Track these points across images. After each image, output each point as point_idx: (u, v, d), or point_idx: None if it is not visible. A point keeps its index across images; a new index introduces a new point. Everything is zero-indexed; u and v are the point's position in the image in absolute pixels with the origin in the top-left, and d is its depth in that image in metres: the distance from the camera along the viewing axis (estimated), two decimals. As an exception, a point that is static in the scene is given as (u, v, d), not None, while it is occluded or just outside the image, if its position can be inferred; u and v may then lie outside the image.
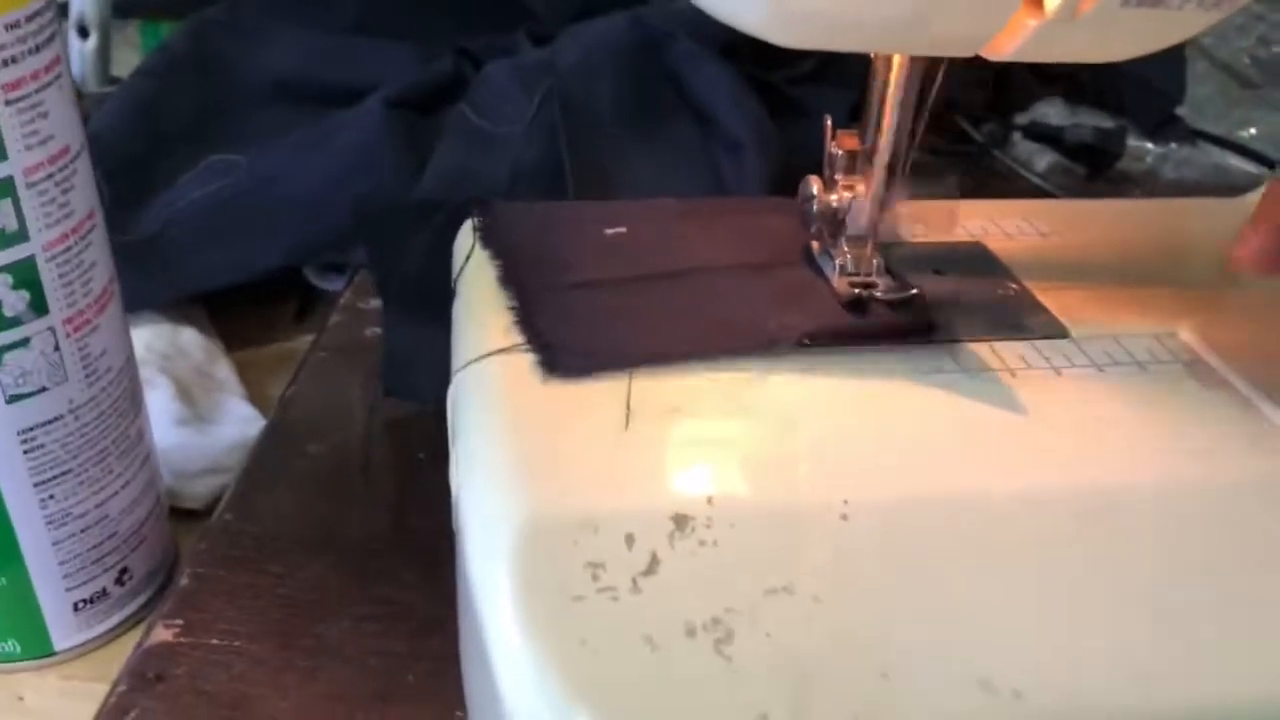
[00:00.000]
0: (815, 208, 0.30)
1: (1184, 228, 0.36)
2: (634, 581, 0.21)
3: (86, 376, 0.30)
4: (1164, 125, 0.58)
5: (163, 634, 0.30)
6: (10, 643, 0.31)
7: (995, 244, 0.34)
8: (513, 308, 0.29)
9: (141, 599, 0.34)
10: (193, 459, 0.39)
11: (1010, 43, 0.22)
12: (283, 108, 0.54)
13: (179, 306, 0.46)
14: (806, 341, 0.28)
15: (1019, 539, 0.23)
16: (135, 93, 0.54)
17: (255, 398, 0.43)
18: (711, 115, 0.49)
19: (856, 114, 0.30)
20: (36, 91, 0.26)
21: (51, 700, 0.31)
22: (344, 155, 0.49)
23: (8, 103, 0.25)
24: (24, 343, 0.28)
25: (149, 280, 0.45)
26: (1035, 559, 0.23)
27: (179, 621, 0.30)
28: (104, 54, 0.62)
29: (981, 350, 0.28)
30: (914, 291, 0.29)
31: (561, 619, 0.20)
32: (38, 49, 0.26)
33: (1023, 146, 0.58)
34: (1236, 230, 0.31)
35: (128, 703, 0.28)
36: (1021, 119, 0.59)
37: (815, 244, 0.31)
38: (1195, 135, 0.58)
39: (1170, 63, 0.59)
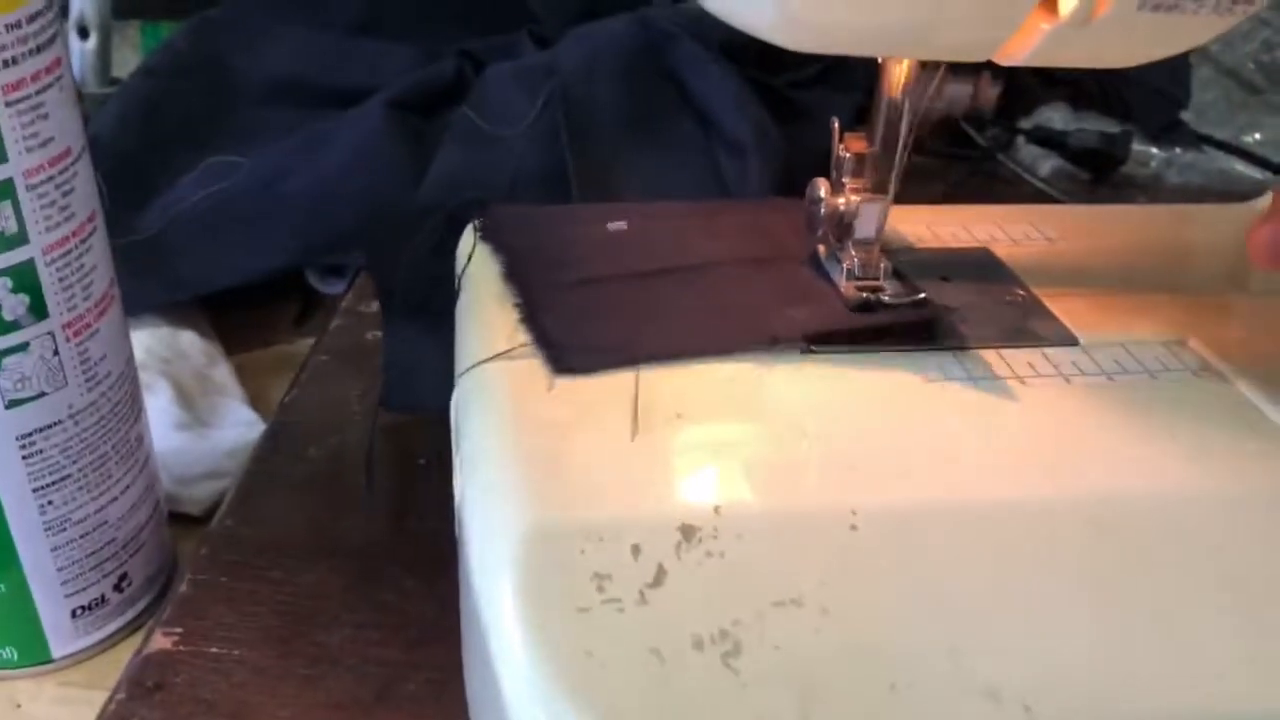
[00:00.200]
0: (823, 211, 0.30)
1: (1192, 234, 0.36)
2: (641, 593, 0.21)
3: (86, 381, 0.29)
4: (1168, 130, 0.58)
5: (162, 641, 0.29)
6: (8, 650, 0.31)
7: (1002, 250, 0.33)
8: (517, 305, 0.28)
9: (140, 605, 0.33)
10: (192, 463, 0.39)
11: (1023, 47, 0.22)
12: (283, 109, 0.54)
13: (178, 309, 0.46)
14: (813, 348, 0.28)
15: (1029, 549, 0.23)
16: (136, 93, 0.54)
17: (255, 401, 0.43)
18: (714, 118, 0.49)
19: (861, 117, 0.30)
20: (37, 93, 0.26)
21: (48, 708, 0.31)
22: (345, 157, 0.49)
23: (8, 104, 0.25)
24: (23, 347, 0.27)
25: (148, 282, 0.45)
26: (1045, 570, 0.22)
27: (178, 629, 0.30)
28: (104, 54, 0.62)
29: (990, 358, 0.28)
30: (922, 296, 0.29)
31: (567, 630, 0.20)
32: (38, 50, 0.26)
33: (1027, 151, 0.58)
34: (1244, 237, 0.31)
35: (126, 711, 0.27)
36: (1026, 123, 0.59)
37: (822, 247, 0.31)
38: (1200, 140, 0.58)
39: (1175, 68, 0.59)
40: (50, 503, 0.30)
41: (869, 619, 0.21)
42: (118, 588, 0.32)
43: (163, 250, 0.46)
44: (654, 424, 0.25)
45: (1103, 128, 0.57)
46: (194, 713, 0.27)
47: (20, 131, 0.26)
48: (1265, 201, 0.29)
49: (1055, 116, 0.59)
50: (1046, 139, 0.57)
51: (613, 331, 0.28)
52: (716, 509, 0.22)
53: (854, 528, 0.22)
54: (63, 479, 0.30)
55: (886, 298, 0.29)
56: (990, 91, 0.29)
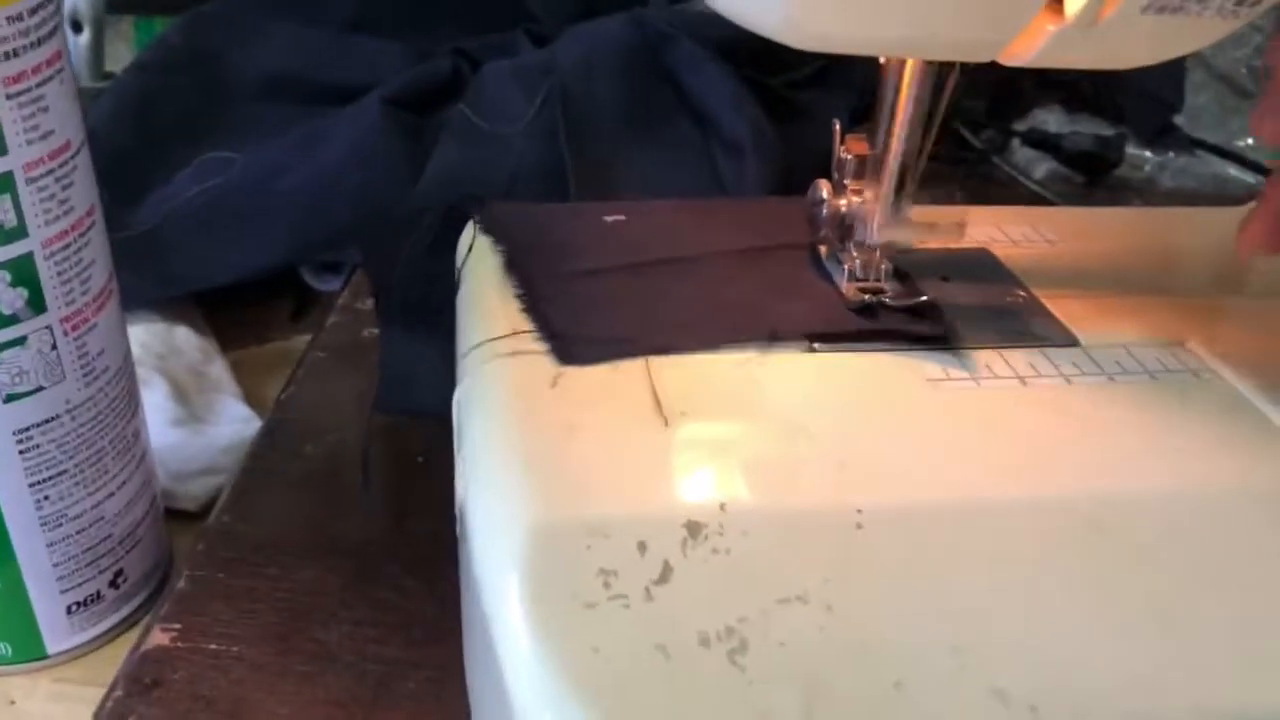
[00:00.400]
0: (824, 212, 0.30)
1: (1189, 237, 0.36)
2: (647, 590, 0.21)
3: (84, 376, 0.29)
4: (1162, 134, 0.58)
5: (159, 638, 0.29)
6: (2, 646, 0.31)
7: (1001, 251, 0.33)
8: (519, 295, 0.29)
9: (136, 602, 0.33)
10: (188, 460, 0.39)
11: (1028, 48, 0.22)
12: (278, 105, 0.54)
13: (173, 305, 0.46)
14: (815, 346, 0.28)
15: (1033, 549, 0.23)
16: (130, 88, 0.54)
17: (250, 398, 0.43)
18: (711, 117, 0.49)
19: (857, 118, 0.30)
20: (38, 85, 0.26)
21: (43, 704, 0.31)
22: (341, 153, 0.48)
23: (8, 96, 0.25)
24: (21, 341, 0.27)
25: (143, 277, 0.44)
26: (1049, 569, 0.22)
27: (176, 625, 0.29)
28: (98, 49, 0.61)
29: (991, 358, 0.28)
30: (924, 298, 0.29)
31: (573, 626, 0.20)
32: (39, 42, 0.25)
33: (1021, 154, 0.58)
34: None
35: (124, 708, 0.27)
36: (1020, 126, 0.59)
37: (823, 248, 0.31)
38: (1193, 144, 0.58)
39: (1170, 72, 0.59)
40: (46, 498, 0.29)
41: (874, 617, 0.21)
42: (113, 584, 0.32)
43: (157, 246, 0.46)
44: (659, 421, 0.25)
45: (1097, 131, 0.57)
46: (192, 709, 0.27)
47: (21, 124, 0.25)
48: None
49: (1049, 119, 0.59)
50: (1041, 141, 0.57)
51: (616, 323, 0.28)
52: (722, 506, 0.22)
53: (859, 526, 0.22)
54: (59, 474, 0.29)
55: (888, 299, 0.29)
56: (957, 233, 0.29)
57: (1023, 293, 0.31)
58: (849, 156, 0.29)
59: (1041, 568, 0.22)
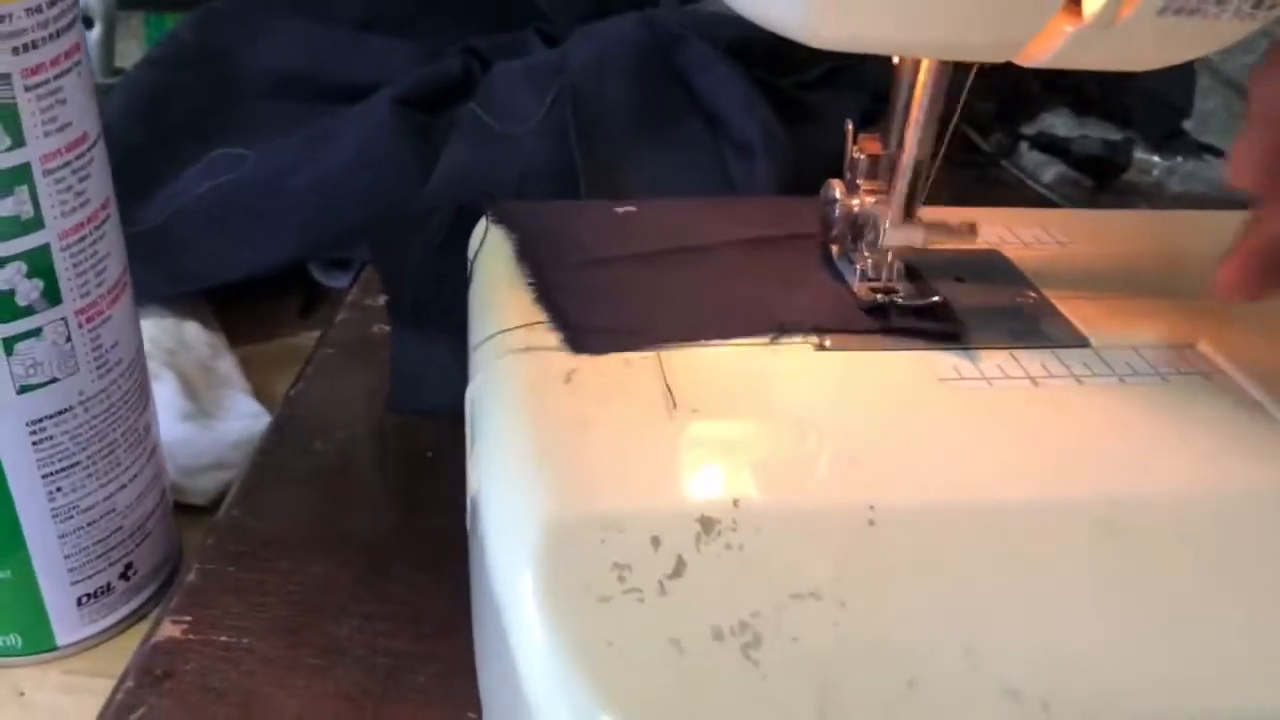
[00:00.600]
0: (837, 212, 0.30)
1: (1198, 240, 0.36)
2: (661, 584, 0.21)
3: (97, 368, 0.29)
4: (1170, 138, 0.58)
5: (170, 630, 0.29)
6: (12, 637, 0.31)
7: (1012, 252, 0.33)
8: (531, 283, 0.29)
9: (145, 595, 0.33)
10: (197, 454, 0.39)
11: (1045, 49, 0.22)
12: (288, 102, 0.54)
13: (182, 300, 0.46)
14: (826, 345, 0.28)
15: (1045, 547, 0.23)
16: (141, 84, 0.54)
17: (259, 394, 0.43)
18: (722, 119, 0.49)
19: (867, 120, 0.30)
20: (56, 78, 0.26)
21: (52, 695, 0.31)
22: (351, 151, 0.48)
23: (27, 88, 0.25)
24: (36, 332, 0.27)
25: (153, 273, 0.44)
26: (1062, 568, 0.22)
27: (187, 618, 0.30)
28: (108, 45, 0.61)
29: (1003, 358, 0.28)
30: (936, 298, 0.29)
31: (587, 619, 0.20)
32: (58, 35, 0.26)
33: (1030, 157, 0.58)
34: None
35: (135, 699, 0.27)
36: (1029, 130, 0.59)
37: (835, 248, 0.31)
38: (1201, 149, 0.58)
39: (1178, 76, 0.59)
40: (59, 489, 0.29)
41: (886, 614, 0.21)
42: (124, 576, 0.32)
43: (167, 242, 0.46)
44: (671, 416, 0.25)
45: (1105, 135, 0.58)
46: (203, 701, 0.27)
47: (39, 116, 0.25)
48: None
49: (1058, 123, 0.59)
50: (1049, 145, 0.57)
51: (627, 314, 0.28)
52: (735, 502, 0.22)
53: (871, 523, 0.23)
54: (72, 466, 0.29)
55: (900, 299, 0.29)
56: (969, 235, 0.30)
57: (1033, 294, 0.31)
58: (862, 156, 0.30)
59: (1053, 567, 0.22)
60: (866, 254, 0.30)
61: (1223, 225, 0.37)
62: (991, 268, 0.33)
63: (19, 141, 0.25)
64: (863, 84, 0.53)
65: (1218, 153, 0.58)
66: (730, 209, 0.34)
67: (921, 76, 0.27)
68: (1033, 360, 0.28)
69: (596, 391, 0.25)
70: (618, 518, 0.22)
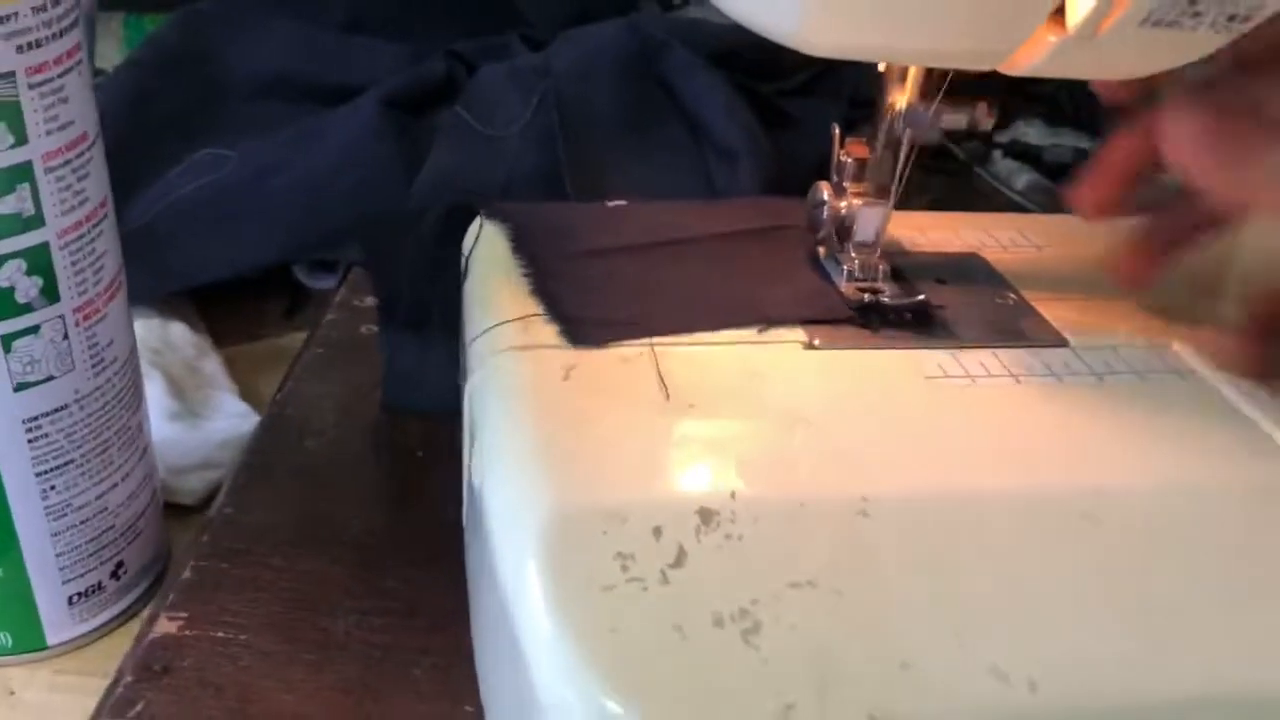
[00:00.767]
0: (825, 214, 0.31)
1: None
2: (663, 573, 0.21)
3: (93, 366, 0.29)
4: (1139, 148, 0.60)
5: (167, 626, 0.29)
6: (3, 635, 0.31)
7: (992, 255, 0.34)
8: (527, 274, 0.29)
9: (135, 594, 0.33)
10: (186, 454, 0.39)
11: (1030, 58, 0.23)
12: (273, 103, 0.54)
13: (168, 300, 0.46)
14: (816, 343, 0.29)
15: (1029, 537, 0.24)
16: (123, 84, 0.54)
17: (244, 394, 0.43)
18: (705, 123, 0.50)
19: (846, 127, 0.31)
20: (58, 76, 0.26)
21: (42, 694, 0.31)
22: (336, 152, 0.49)
23: (30, 86, 0.25)
24: (34, 330, 0.27)
25: (138, 273, 0.44)
26: (1045, 556, 0.23)
27: (183, 614, 0.30)
28: (88, 46, 0.61)
29: (986, 357, 0.29)
30: (921, 298, 0.30)
31: (592, 608, 0.21)
32: (61, 34, 0.26)
33: (1003, 164, 0.59)
34: (1221, 249, 0.32)
35: (134, 694, 0.27)
36: (1002, 138, 0.60)
37: (823, 249, 0.32)
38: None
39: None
40: (53, 487, 0.29)
41: (879, 601, 0.22)
42: (114, 575, 0.32)
43: (152, 242, 0.46)
44: (668, 410, 0.25)
45: (1077, 143, 0.59)
46: (201, 696, 0.27)
47: (41, 114, 0.26)
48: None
49: (1030, 131, 0.60)
50: (1023, 153, 0.58)
51: (623, 305, 0.29)
52: (733, 494, 0.23)
53: (864, 514, 0.23)
54: (66, 464, 0.30)
55: (885, 298, 0.30)
56: (986, 120, 0.30)
57: (1013, 295, 0.32)
58: (849, 160, 0.30)
59: (1038, 555, 0.23)
60: (854, 255, 0.31)
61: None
62: (972, 270, 0.34)
63: (21, 139, 0.25)
64: (841, 92, 0.54)
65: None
66: (717, 206, 0.35)
67: (908, 83, 0.28)
68: (1014, 359, 0.29)
69: (595, 388, 0.26)
70: (620, 510, 0.22)
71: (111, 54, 0.65)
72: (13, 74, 0.25)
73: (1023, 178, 0.59)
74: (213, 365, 0.44)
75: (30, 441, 0.29)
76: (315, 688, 0.28)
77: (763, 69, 0.53)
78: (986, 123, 0.30)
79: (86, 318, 0.29)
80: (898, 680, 0.20)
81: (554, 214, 0.34)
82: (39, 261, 0.27)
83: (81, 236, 0.28)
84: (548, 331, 0.28)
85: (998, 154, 0.59)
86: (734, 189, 0.47)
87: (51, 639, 0.32)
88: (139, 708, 0.27)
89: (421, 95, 0.53)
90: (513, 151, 0.48)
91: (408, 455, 0.37)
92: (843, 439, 0.25)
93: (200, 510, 0.37)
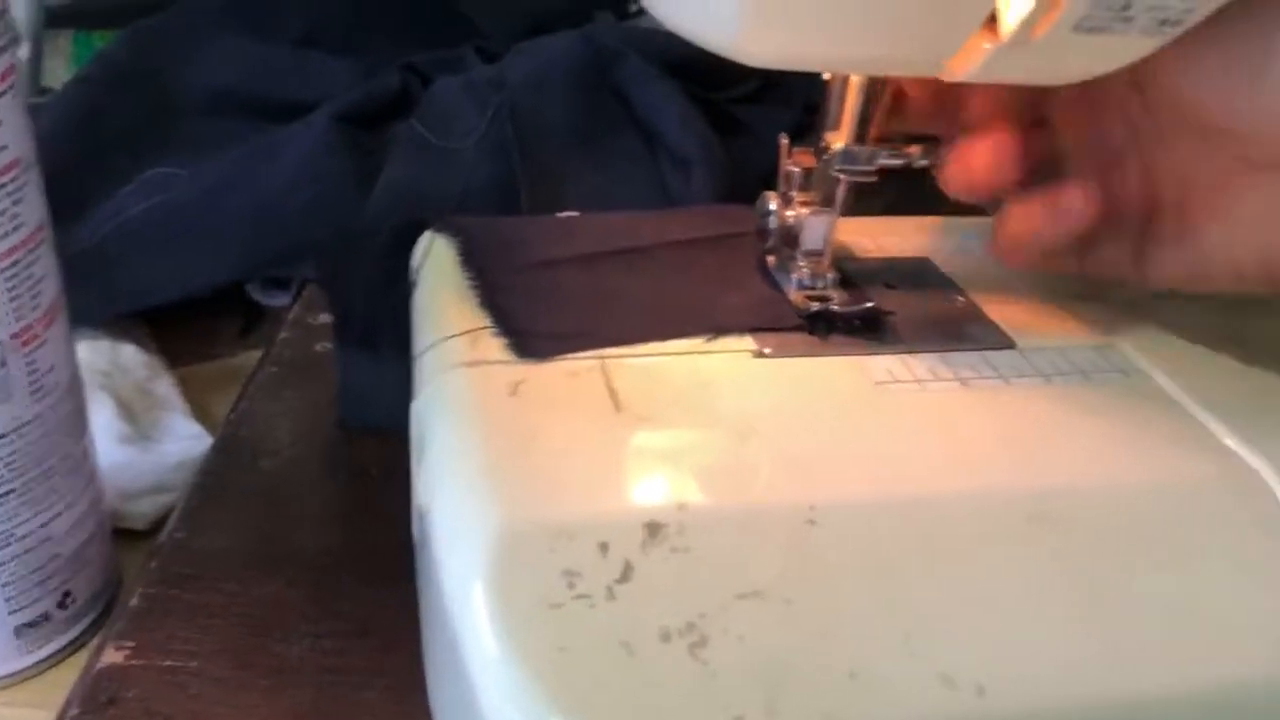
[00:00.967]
0: (773, 223, 0.31)
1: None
2: (609, 589, 0.21)
3: (33, 393, 0.29)
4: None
5: (114, 656, 0.29)
6: (-52, 669, 0.30)
7: (942, 259, 0.35)
8: (475, 287, 0.29)
9: (84, 623, 0.33)
10: (137, 478, 0.38)
11: (966, 65, 0.23)
12: (225, 120, 0.54)
13: (118, 321, 0.45)
14: (766, 351, 0.29)
15: (976, 542, 0.24)
16: (72, 102, 0.53)
17: (198, 415, 0.43)
18: (659, 132, 0.50)
19: (798, 133, 0.31)
20: (-12, 99, 0.25)
21: (-12, 728, 0.30)
22: (291, 169, 0.48)
23: (-42, 110, 0.25)
24: (-30, 357, 0.27)
25: (88, 295, 0.44)
26: (992, 561, 0.23)
27: (130, 643, 0.29)
28: (36, 64, 0.60)
29: (934, 361, 0.29)
30: (870, 305, 0.30)
31: (539, 627, 0.21)
32: (-10, 56, 0.25)
33: (958, 167, 0.59)
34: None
35: (79, 727, 0.27)
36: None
37: (771, 258, 0.32)
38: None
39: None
40: (-6, 517, 0.29)
41: (828, 610, 0.22)
42: (61, 605, 0.32)
43: (102, 263, 0.45)
44: (616, 424, 0.25)
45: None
46: (149, 726, 0.27)
47: (-29, 138, 0.25)
48: None
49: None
50: (977, 156, 0.59)
51: (572, 317, 0.29)
52: (681, 506, 0.23)
53: (812, 523, 0.23)
54: (7, 493, 0.29)
55: (835, 306, 0.30)
56: (922, 162, 0.31)
57: (962, 298, 0.33)
58: (796, 169, 0.30)
59: (987, 559, 0.23)
60: (802, 264, 0.31)
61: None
62: (922, 274, 0.34)
63: (-50, 164, 0.25)
64: (793, 99, 0.54)
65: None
66: (670, 215, 0.35)
67: (851, 90, 0.28)
68: (962, 362, 0.29)
69: (543, 402, 0.26)
70: (567, 526, 0.22)
71: (60, 71, 0.64)
72: (-61, 98, 0.24)
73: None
74: (165, 387, 0.44)
75: (-31, 471, 0.28)
76: (268, 713, 0.28)
77: (716, 77, 0.53)
78: (922, 164, 0.31)
79: (25, 344, 0.28)
80: (847, 689, 0.20)
81: (505, 226, 0.34)
82: (-27, 288, 0.26)
83: (17, 262, 0.27)
84: (495, 345, 0.28)
85: (952, 157, 0.60)
86: (689, 198, 0.47)
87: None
88: (85, 740, 0.26)
89: (375, 109, 0.52)
90: (468, 164, 0.48)
91: (363, 474, 0.37)
92: (791, 447, 0.25)
93: (152, 535, 0.36)
